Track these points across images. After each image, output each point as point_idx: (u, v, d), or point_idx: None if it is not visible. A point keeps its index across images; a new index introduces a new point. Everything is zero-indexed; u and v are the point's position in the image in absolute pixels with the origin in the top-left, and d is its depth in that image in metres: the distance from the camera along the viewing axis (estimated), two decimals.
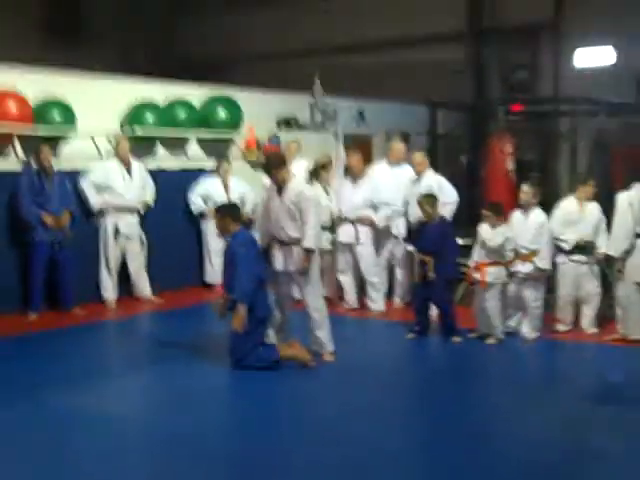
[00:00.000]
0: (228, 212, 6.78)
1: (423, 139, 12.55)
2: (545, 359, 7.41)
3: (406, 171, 9.12)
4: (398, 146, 9.39)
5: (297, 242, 6.77)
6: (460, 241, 9.03)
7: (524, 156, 12.18)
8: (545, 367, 7.20)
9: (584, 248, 7.71)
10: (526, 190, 7.59)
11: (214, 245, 9.77)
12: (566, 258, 7.72)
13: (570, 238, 7.68)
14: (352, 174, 8.86)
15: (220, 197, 9.66)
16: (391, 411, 5.72)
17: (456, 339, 7.54)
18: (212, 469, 4.64)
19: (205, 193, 9.87)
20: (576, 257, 7.72)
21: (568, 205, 7.81)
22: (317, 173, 9.17)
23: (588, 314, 7.83)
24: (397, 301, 9.12)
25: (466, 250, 8.17)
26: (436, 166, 9.93)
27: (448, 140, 13.02)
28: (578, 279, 7.75)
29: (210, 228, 9.79)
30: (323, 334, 6.86)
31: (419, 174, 8.74)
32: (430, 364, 7.25)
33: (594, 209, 7.76)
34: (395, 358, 7.23)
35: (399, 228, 8.97)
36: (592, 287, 7.76)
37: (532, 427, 5.33)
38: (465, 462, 4.74)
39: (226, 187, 9.92)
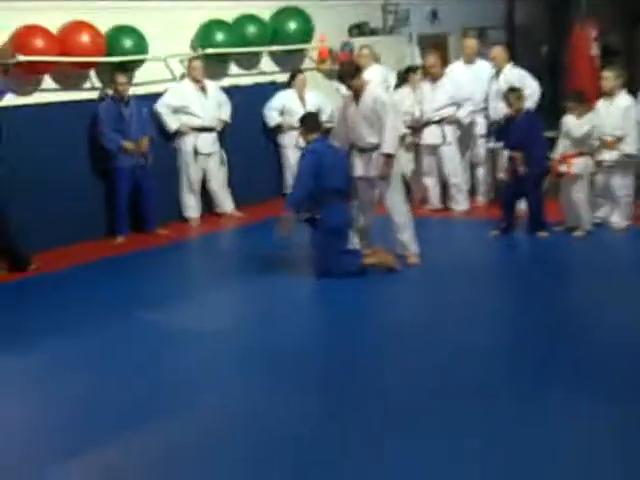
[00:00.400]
0: (302, 123, 6.87)
1: (501, 33, 12.14)
2: (636, 248, 7.18)
3: (483, 67, 8.88)
4: (470, 43, 9.18)
5: (376, 148, 6.70)
6: (545, 134, 8.79)
7: (609, 40, 11.68)
8: (636, 256, 6.98)
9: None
10: (607, 75, 7.29)
11: (292, 157, 9.68)
12: None
13: None
14: (430, 74, 8.62)
15: (296, 109, 9.56)
16: (480, 309, 5.71)
17: (543, 234, 7.39)
18: (306, 380, 4.72)
19: (281, 106, 9.81)
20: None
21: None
22: (407, 77, 9.03)
23: None
24: (480, 200, 8.97)
25: (551, 143, 7.94)
26: (515, 59, 9.60)
27: (527, 31, 12.52)
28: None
29: (287, 140, 9.83)
30: (407, 237, 6.83)
31: (498, 69, 8.47)
32: (518, 260, 7.19)
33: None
34: (481, 256, 7.19)
35: (481, 126, 8.77)
36: None
37: (627, 316, 5.22)
38: (558, 352, 4.73)
39: (302, 99, 9.82)
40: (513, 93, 7.46)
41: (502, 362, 4.73)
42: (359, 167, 6.84)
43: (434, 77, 8.60)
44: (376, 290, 6.33)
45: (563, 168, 7.29)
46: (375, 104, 6.63)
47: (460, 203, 8.74)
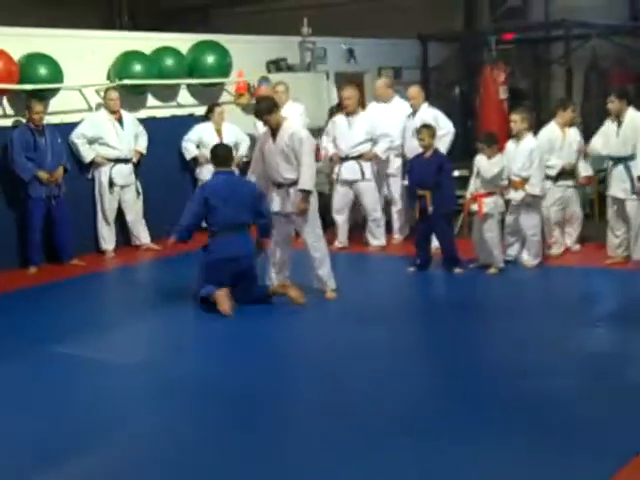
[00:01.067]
0: (211, 155, 7.05)
1: (416, 73, 12.45)
2: (547, 285, 7.42)
3: (400, 105, 9.05)
4: (380, 83, 9.34)
5: (293, 184, 6.74)
6: (456, 172, 9.01)
7: (517, 84, 12.11)
8: (548, 294, 7.19)
9: (570, 173, 7.97)
10: (515, 118, 7.55)
11: None
12: (552, 184, 7.85)
13: (556, 164, 7.83)
14: (346, 108, 8.72)
15: (213, 142, 9.55)
16: (393, 346, 5.71)
17: (458, 270, 7.54)
18: (212, 412, 4.68)
19: (198, 139, 9.79)
20: (561, 182, 7.92)
21: (550, 132, 7.95)
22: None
23: (573, 234, 8.20)
24: (397, 237, 9.11)
25: (462, 181, 8.16)
26: (429, 99, 9.85)
27: (440, 72, 12.88)
28: (564, 202, 7.99)
29: (204, 173, 9.77)
30: (325, 272, 6.88)
31: (415, 108, 8.63)
32: (434, 296, 7.31)
33: (575, 134, 8.02)
34: (398, 292, 7.27)
35: (395, 163, 8.93)
36: (577, 209, 8.14)
37: (543, 357, 5.35)
38: (468, 392, 4.78)
39: (219, 132, 9.84)
40: (425, 129, 7.60)
41: (415, 400, 4.74)
42: (276, 202, 6.88)
43: (349, 111, 8.69)
44: (291, 324, 6.33)
45: (474, 207, 7.49)
46: (292, 140, 6.68)
47: (378, 238, 8.85)
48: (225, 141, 9.63)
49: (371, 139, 8.70)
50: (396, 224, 9.12)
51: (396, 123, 8.80)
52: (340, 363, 5.37)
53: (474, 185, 7.52)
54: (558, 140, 7.89)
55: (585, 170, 8.15)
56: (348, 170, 8.69)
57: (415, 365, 5.37)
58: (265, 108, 6.76)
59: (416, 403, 4.63)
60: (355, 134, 8.66)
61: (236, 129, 9.97)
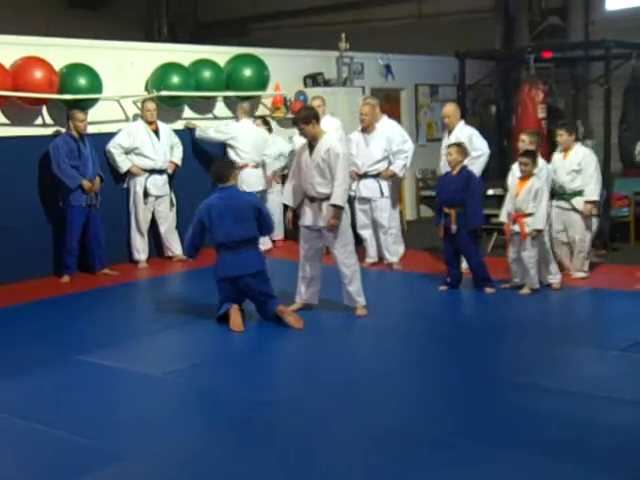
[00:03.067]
0: (212, 173, 6.92)
1: (452, 90, 12.40)
2: (581, 307, 7.34)
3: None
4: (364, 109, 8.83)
5: (326, 198, 6.73)
6: (490, 191, 8.97)
7: (555, 103, 11.99)
8: (581, 316, 7.11)
9: (561, 194, 7.88)
10: (561, 133, 7.72)
11: None
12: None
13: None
14: (362, 125, 8.63)
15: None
16: (427, 366, 5.70)
17: (489, 290, 7.48)
18: (240, 423, 4.68)
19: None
20: (557, 203, 7.88)
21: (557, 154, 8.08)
22: None
23: (575, 262, 7.97)
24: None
25: (497, 200, 8.11)
26: (464, 117, 9.78)
27: (477, 90, 12.82)
28: (565, 224, 7.92)
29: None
30: (354, 288, 6.85)
31: (449, 127, 8.46)
32: (464, 316, 7.22)
33: (580, 156, 7.83)
34: (429, 311, 7.18)
35: None
36: (576, 236, 7.88)
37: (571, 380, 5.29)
38: (495, 412, 4.73)
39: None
40: (455, 146, 7.57)
41: (446, 418, 4.73)
42: (308, 216, 6.86)
43: (366, 127, 8.62)
44: (319, 341, 6.32)
45: (516, 228, 7.40)
46: (329, 155, 6.66)
47: (397, 254, 8.80)
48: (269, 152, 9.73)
49: (387, 156, 8.65)
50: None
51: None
52: (368, 380, 5.34)
53: (510, 205, 7.44)
54: (558, 161, 7.95)
55: (590, 194, 7.80)
56: (366, 188, 8.64)
57: (442, 383, 5.33)
58: (303, 117, 6.73)
59: (443, 421, 4.59)
60: (372, 152, 8.60)
61: (281, 140, 10.05)
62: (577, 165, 7.79)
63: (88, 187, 8.29)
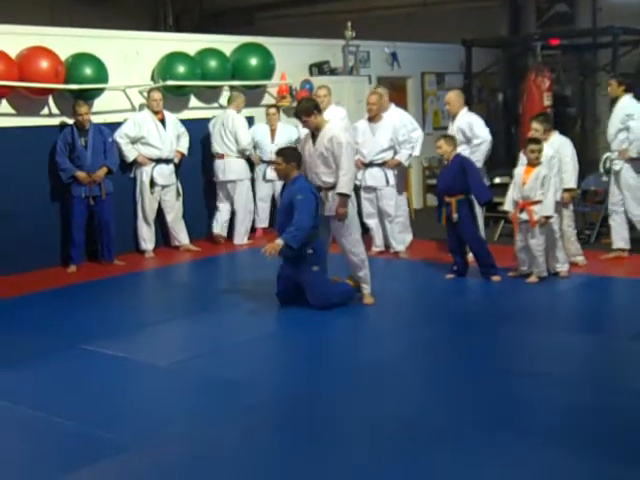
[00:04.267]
0: (293, 158, 6.65)
1: (459, 78, 12.37)
2: (590, 296, 7.29)
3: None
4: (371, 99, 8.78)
5: (332, 187, 6.72)
6: (497, 179, 8.94)
7: (562, 91, 11.95)
8: (589, 304, 7.05)
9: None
10: (536, 127, 7.53)
11: (260, 191, 9.99)
12: None
13: None
14: (370, 113, 8.59)
15: (266, 143, 9.81)
16: (433, 354, 5.70)
17: (496, 278, 7.47)
18: (248, 413, 4.69)
19: (251, 140, 9.87)
20: None
21: None
22: None
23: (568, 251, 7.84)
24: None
25: (504, 188, 8.06)
26: (471, 105, 9.77)
27: (483, 78, 12.78)
28: None
29: (258, 174, 9.94)
30: (362, 277, 6.85)
31: (451, 114, 8.41)
32: (472, 305, 7.16)
33: (551, 144, 7.64)
34: (435, 300, 7.18)
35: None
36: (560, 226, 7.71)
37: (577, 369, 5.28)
38: (502, 401, 4.73)
39: (273, 133, 9.91)
40: (443, 139, 7.55)
41: (452, 406, 4.72)
42: None
43: (372, 117, 8.57)
44: (331, 328, 6.31)
45: (523, 216, 7.37)
46: (332, 144, 6.64)
47: (404, 243, 8.80)
48: (278, 141, 9.75)
49: (393, 145, 8.62)
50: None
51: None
52: (374, 368, 5.34)
53: (517, 193, 7.40)
54: None
55: (567, 182, 7.66)
56: (372, 177, 8.62)
57: (448, 371, 5.32)
58: (304, 109, 6.71)
59: (449, 409, 4.59)
60: (379, 141, 8.57)
61: (291, 129, 10.00)
62: (555, 153, 7.70)
63: (83, 178, 8.29)
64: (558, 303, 7.09)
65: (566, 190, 7.66)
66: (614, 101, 8.34)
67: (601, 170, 9.08)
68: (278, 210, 6.87)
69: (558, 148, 7.67)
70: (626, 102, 8.08)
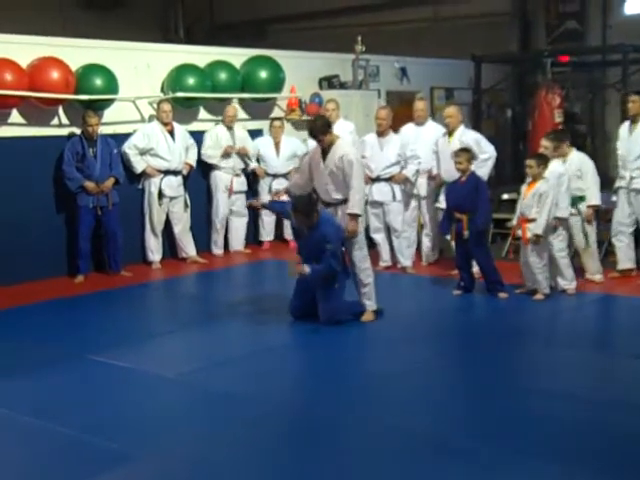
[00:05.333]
0: (312, 207, 6.46)
1: (468, 94, 12.38)
2: (593, 314, 7.30)
3: (432, 129, 8.94)
4: (420, 105, 9.13)
5: (341, 203, 6.71)
6: (505, 196, 8.93)
7: (572, 108, 11.95)
8: (592, 322, 7.07)
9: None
10: (545, 144, 7.51)
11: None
12: None
13: None
14: (378, 130, 8.58)
15: (271, 156, 9.87)
16: (440, 370, 5.68)
17: (502, 295, 7.45)
18: (262, 430, 4.67)
19: (255, 153, 9.93)
20: None
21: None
22: None
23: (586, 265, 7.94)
24: (425, 259, 9.06)
25: (511, 205, 8.08)
26: (480, 121, 9.77)
27: (492, 94, 12.78)
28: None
29: (262, 187, 9.97)
30: (367, 292, 6.84)
31: (451, 128, 8.42)
32: (478, 322, 7.15)
33: (573, 161, 7.72)
34: (442, 316, 7.16)
35: (423, 187, 8.85)
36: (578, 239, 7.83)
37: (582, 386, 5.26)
38: (507, 417, 4.71)
39: (277, 146, 9.94)
40: (464, 153, 7.54)
41: (461, 422, 4.71)
42: None
43: (381, 132, 8.56)
44: (336, 343, 6.29)
45: (519, 232, 7.39)
46: (342, 162, 6.60)
47: (409, 258, 8.78)
48: (282, 154, 9.80)
49: (400, 161, 8.59)
50: (426, 247, 9.04)
51: (424, 146, 8.68)
52: (381, 384, 5.34)
53: (520, 209, 7.42)
54: None
55: (591, 199, 7.74)
56: (379, 191, 8.59)
57: (455, 387, 5.32)
58: (320, 128, 6.64)
59: (458, 426, 4.57)
60: (387, 155, 8.55)
61: (295, 141, 10.07)
62: (577, 170, 7.72)
63: (91, 188, 8.31)
64: (564, 321, 7.07)
65: (590, 206, 7.68)
66: (626, 118, 8.25)
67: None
68: (302, 244, 6.78)
69: (580, 166, 7.69)
70: None
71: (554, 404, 4.90)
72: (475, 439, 4.39)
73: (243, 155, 9.73)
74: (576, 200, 7.69)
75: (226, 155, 9.55)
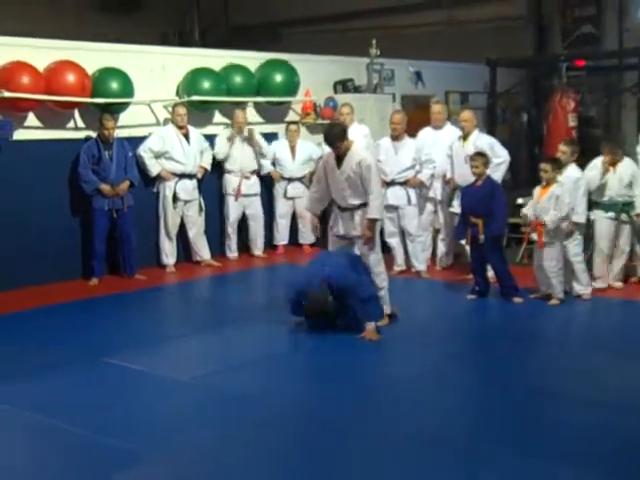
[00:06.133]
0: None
1: (482, 98, 12.35)
2: (609, 319, 7.25)
3: (450, 132, 8.92)
4: (437, 108, 9.13)
5: (358, 208, 6.68)
6: (520, 200, 8.90)
7: (587, 112, 11.90)
8: (607, 328, 7.01)
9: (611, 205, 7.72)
10: (563, 149, 7.49)
11: (281, 207, 10.04)
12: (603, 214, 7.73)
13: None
14: (393, 132, 8.57)
15: (287, 160, 9.88)
16: (454, 374, 5.68)
17: (517, 299, 7.42)
18: (275, 433, 4.67)
19: (272, 156, 9.94)
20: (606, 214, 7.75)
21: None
22: None
23: (614, 269, 7.91)
24: (441, 261, 9.05)
25: None
26: (495, 125, 9.73)
27: (507, 98, 12.75)
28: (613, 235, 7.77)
29: (277, 190, 9.98)
30: (384, 298, 6.81)
31: (466, 132, 8.44)
32: (493, 326, 7.12)
33: (627, 168, 7.71)
34: (456, 320, 7.16)
35: (438, 191, 8.84)
36: (622, 244, 7.84)
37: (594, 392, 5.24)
38: (521, 420, 4.71)
39: (293, 150, 9.95)
40: (480, 157, 7.53)
41: (476, 426, 4.69)
42: (340, 226, 6.81)
43: (396, 136, 8.55)
44: (350, 348, 6.25)
45: (534, 236, 7.37)
46: (360, 168, 6.55)
47: (423, 262, 8.77)
48: (298, 158, 9.81)
49: (415, 165, 8.59)
50: (440, 251, 9.02)
51: (440, 150, 8.67)
52: (395, 387, 5.34)
53: (532, 212, 7.37)
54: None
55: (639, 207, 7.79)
56: (394, 195, 8.58)
57: (469, 391, 5.31)
58: (338, 135, 6.58)
59: (473, 429, 4.56)
60: (402, 159, 8.55)
61: (310, 145, 10.08)
62: (630, 177, 7.69)
63: (107, 191, 8.34)
64: (579, 326, 7.09)
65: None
66: None
67: None
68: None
69: (632, 173, 7.69)
70: None
71: (568, 408, 4.90)
72: (489, 442, 4.39)
73: (254, 145, 9.60)
74: (624, 207, 7.68)
75: (234, 144, 9.48)
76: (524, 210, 7.49)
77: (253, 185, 9.71)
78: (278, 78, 10.12)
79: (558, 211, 7.15)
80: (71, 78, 8.19)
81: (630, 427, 4.60)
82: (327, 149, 7.13)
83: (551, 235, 7.24)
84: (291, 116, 10.61)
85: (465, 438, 4.48)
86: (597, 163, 7.75)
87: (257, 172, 9.80)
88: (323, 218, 7.15)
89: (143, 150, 8.92)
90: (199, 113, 9.59)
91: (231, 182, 9.59)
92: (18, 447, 4.57)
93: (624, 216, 7.75)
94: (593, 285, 7.67)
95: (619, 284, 7.93)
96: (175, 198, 9.04)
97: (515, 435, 4.49)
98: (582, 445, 4.36)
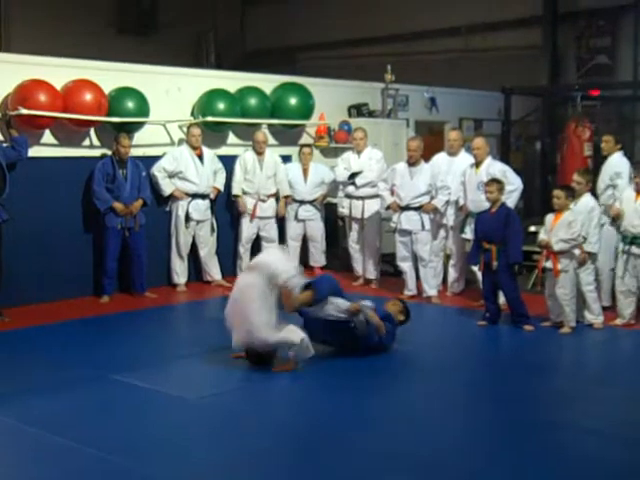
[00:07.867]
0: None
1: (496, 125, 12.37)
2: (624, 349, 7.21)
3: (464, 159, 8.91)
4: (453, 135, 9.12)
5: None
6: (532, 228, 8.88)
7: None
8: (625, 357, 6.98)
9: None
10: (577, 179, 7.48)
11: (292, 229, 9.99)
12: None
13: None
14: (409, 161, 8.65)
15: (299, 182, 9.86)
16: (464, 402, 5.67)
17: (528, 327, 7.39)
18: (271, 455, 4.65)
19: (286, 178, 9.93)
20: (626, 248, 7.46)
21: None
22: None
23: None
24: (450, 289, 9.03)
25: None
26: (509, 152, 9.72)
27: (521, 126, 12.77)
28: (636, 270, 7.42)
29: (290, 213, 9.97)
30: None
31: (479, 159, 8.43)
32: (503, 354, 7.12)
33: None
34: (466, 347, 7.13)
35: (453, 216, 8.83)
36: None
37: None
38: (536, 453, 4.65)
39: (305, 172, 9.96)
40: (496, 184, 7.54)
41: (485, 455, 4.65)
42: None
43: (412, 162, 8.62)
44: (356, 373, 6.23)
45: (548, 264, 7.34)
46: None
47: (435, 288, 8.76)
48: (310, 180, 9.81)
49: (430, 190, 8.62)
50: (451, 277, 9.00)
51: (458, 177, 8.67)
52: (403, 415, 5.31)
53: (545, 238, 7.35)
54: (630, 202, 7.50)
55: None
56: (408, 220, 8.62)
57: (479, 420, 5.25)
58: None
59: (482, 458, 4.52)
60: (417, 185, 8.60)
61: (323, 168, 10.05)
62: None
63: (120, 209, 8.38)
64: (591, 355, 7.03)
65: None
66: None
67: None
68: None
69: None
70: None
71: (583, 440, 4.85)
72: (504, 475, 4.34)
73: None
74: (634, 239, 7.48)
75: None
76: (541, 235, 7.46)
77: (269, 208, 9.71)
78: (293, 101, 10.17)
79: (564, 234, 7.12)
80: (88, 97, 8.26)
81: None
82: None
83: (565, 263, 7.22)
84: (305, 139, 10.65)
85: (479, 469, 4.43)
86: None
87: (275, 195, 9.78)
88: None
89: (157, 169, 8.97)
90: (213, 134, 9.64)
91: (246, 204, 9.59)
92: (26, 465, 4.54)
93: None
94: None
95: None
96: (187, 218, 9.07)
97: (532, 467, 4.44)
98: (596, 477, 4.31)
